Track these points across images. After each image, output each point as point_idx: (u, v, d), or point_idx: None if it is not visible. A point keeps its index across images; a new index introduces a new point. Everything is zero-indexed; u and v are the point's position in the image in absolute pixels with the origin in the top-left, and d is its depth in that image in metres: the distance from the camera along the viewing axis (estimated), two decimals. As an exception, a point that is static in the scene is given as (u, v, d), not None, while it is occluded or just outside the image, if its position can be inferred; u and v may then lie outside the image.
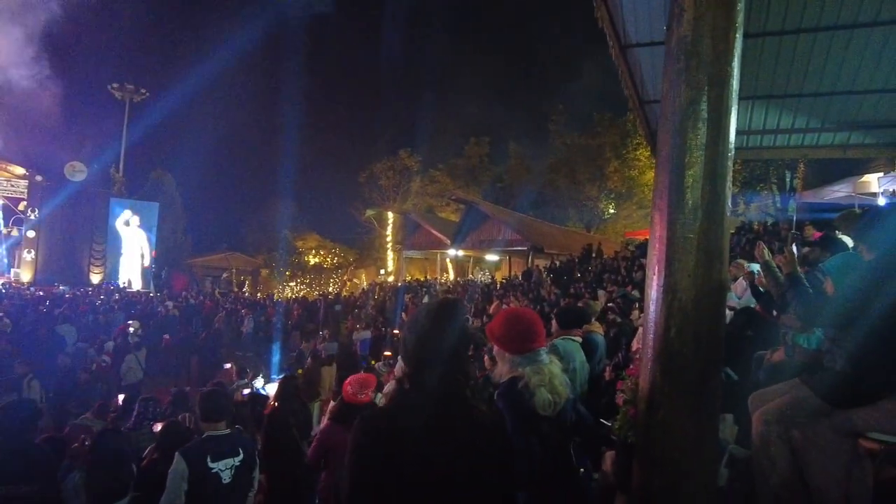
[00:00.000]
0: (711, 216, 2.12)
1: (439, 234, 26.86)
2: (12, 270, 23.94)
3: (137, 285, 24.89)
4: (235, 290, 28.96)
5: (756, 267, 4.05)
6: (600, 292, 10.91)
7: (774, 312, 3.53)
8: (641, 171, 29.15)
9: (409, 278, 27.71)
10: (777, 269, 2.56)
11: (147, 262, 26.87)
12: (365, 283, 31.98)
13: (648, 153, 25.04)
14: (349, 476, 1.37)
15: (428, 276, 28.18)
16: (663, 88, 2.29)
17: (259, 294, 28.61)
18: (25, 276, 23.35)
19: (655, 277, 2.17)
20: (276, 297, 25.09)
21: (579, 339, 3.83)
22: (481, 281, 24.84)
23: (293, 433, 4.12)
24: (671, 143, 2.19)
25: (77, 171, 24.37)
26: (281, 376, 7.54)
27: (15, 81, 14.21)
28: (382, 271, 34.08)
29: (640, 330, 5.43)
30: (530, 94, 38.50)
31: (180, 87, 26.48)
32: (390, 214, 34.47)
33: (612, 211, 31.87)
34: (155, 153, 30.95)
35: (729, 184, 2.19)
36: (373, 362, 6.57)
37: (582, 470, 2.15)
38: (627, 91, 5.69)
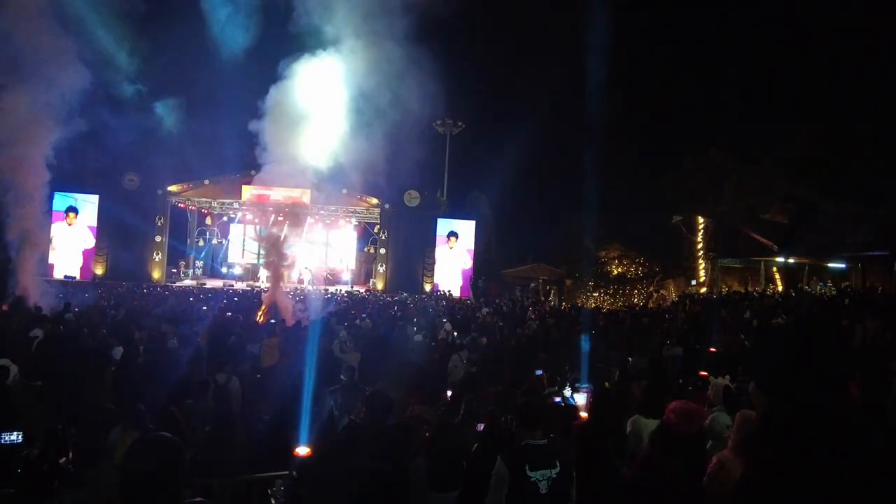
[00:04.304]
0: None
1: (762, 239, 23.44)
2: (371, 280, 30.42)
3: (456, 293, 28.35)
4: (542, 298, 30.39)
5: None
6: None
7: None
8: None
9: (725, 290, 24.88)
10: None
11: (465, 273, 30.42)
12: (674, 295, 29.91)
13: None
14: None
15: (749, 288, 24.81)
16: None
17: (564, 304, 29.36)
18: (379, 285, 29.16)
19: None
20: (580, 306, 25.39)
21: None
22: (820, 292, 20.71)
23: (608, 450, 3.96)
24: None
25: (413, 198, 29.64)
26: (589, 386, 7.46)
27: (370, 136, 18.49)
28: (693, 282, 31.31)
29: None
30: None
31: (489, 116, 29.29)
32: (700, 219, 31.53)
33: None
34: (471, 177, 34.81)
35: None
36: (698, 382, 5.94)
37: None
38: None
